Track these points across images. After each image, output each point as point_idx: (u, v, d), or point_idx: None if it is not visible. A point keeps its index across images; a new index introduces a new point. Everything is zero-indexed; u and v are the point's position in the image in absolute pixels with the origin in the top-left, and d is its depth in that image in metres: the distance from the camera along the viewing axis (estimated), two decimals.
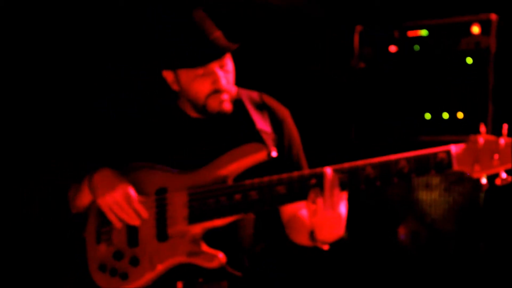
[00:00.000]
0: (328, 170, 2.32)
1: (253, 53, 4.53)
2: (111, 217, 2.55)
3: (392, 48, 4.60)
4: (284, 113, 2.72)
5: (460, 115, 4.41)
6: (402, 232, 4.53)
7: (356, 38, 4.71)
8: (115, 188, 2.53)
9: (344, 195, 2.32)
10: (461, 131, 4.30)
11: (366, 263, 4.56)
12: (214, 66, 2.54)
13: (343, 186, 2.30)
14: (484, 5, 4.39)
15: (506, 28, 4.35)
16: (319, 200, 2.30)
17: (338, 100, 4.81)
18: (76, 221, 2.69)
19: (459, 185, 4.43)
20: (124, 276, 2.54)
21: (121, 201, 2.52)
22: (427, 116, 4.54)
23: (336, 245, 4.55)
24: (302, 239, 2.53)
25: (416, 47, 4.56)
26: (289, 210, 2.65)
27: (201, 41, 2.52)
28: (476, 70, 4.40)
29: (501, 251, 4.24)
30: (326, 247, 2.44)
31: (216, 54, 2.53)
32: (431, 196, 4.52)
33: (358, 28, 4.71)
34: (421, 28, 4.57)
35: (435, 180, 4.50)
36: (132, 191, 2.54)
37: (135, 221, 2.54)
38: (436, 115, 4.51)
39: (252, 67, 4.38)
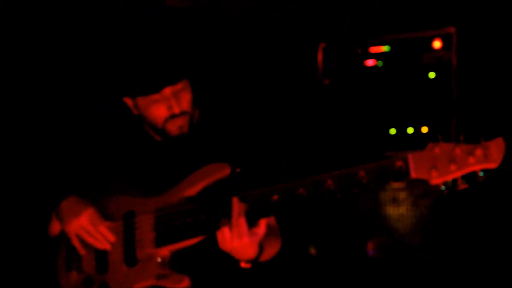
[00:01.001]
0: (235, 200, 2.33)
1: (216, 68, 4.56)
2: (76, 243, 2.53)
3: (370, 62, 4.62)
4: (248, 126, 2.72)
5: (424, 129, 4.46)
6: (371, 246, 4.55)
7: (320, 55, 4.73)
8: (80, 214, 2.52)
9: (262, 221, 2.34)
10: (422, 145, 4.34)
11: (335, 278, 4.56)
12: (168, 92, 2.52)
13: (255, 215, 2.32)
14: (444, 19, 4.45)
15: (466, 41, 4.41)
16: (226, 230, 2.32)
17: (303, 116, 4.82)
18: (51, 249, 2.67)
19: (425, 198, 4.47)
20: None
21: (86, 225, 2.51)
22: (392, 131, 4.57)
23: (305, 260, 4.60)
24: None
25: (379, 63, 4.60)
26: None
27: (154, 67, 2.50)
28: (439, 84, 4.45)
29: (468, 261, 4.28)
30: (249, 265, 2.45)
31: (169, 80, 2.51)
32: (399, 210, 4.54)
33: (322, 45, 4.74)
34: (384, 43, 4.61)
35: (402, 195, 4.53)
36: (97, 215, 2.52)
37: (102, 245, 2.52)
38: (401, 130, 4.55)
39: (215, 82, 4.40)
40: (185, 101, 2.56)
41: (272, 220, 2.63)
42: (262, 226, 2.34)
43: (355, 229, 4.61)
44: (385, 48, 4.60)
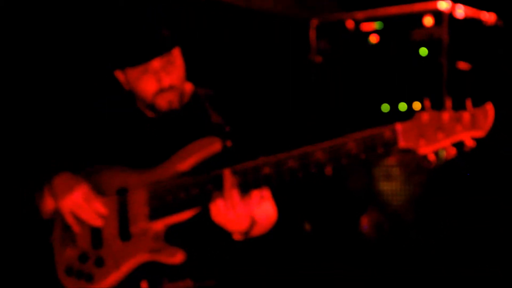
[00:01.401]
0: (227, 172, 2.35)
1: (208, 50, 4.56)
2: (70, 220, 2.55)
3: (373, 39, 4.62)
4: (239, 106, 2.73)
5: (417, 105, 4.47)
6: (364, 223, 4.58)
7: (312, 33, 4.74)
8: (73, 190, 2.53)
9: (257, 193, 2.35)
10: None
11: (329, 254, 4.59)
12: (158, 64, 2.52)
13: (246, 186, 2.34)
14: None
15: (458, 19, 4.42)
16: (219, 202, 2.35)
17: (296, 95, 4.84)
18: (44, 227, 2.68)
19: (418, 175, 4.49)
20: (89, 278, 2.54)
21: (80, 201, 2.52)
22: (384, 108, 4.59)
23: (300, 236, 4.63)
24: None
25: (371, 41, 4.60)
26: None
27: (144, 38, 2.50)
28: (430, 61, 4.46)
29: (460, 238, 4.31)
30: (244, 237, 2.46)
31: (157, 50, 2.50)
32: (392, 186, 4.57)
33: (314, 22, 4.74)
34: (375, 20, 4.61)
35: (395, 171, 4.56)
36: (90, 191, 2.53)
37: (96, 221, 2.54)
38: (393, 107, 4.56)
39: (207, 64, 4.40)
40: (175, 74, 2.55)
41: (266, 194, 2.65)
42: (254, 197, 2.35)
43: (349, 205, 4.64)
44: (377, 25, 4.60)
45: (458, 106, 2.14)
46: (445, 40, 4.40)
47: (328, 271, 4.56)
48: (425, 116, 2.16)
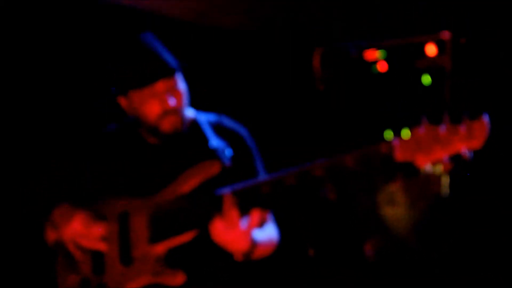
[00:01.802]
0: (227, 193, 2.39)
1: (212, 76, 4.58)
2: (72, 249, 2.57)
3: (378, 67, 4.65)
4: (241, 130, 2.76)
5: None
6: (368, 248, 4.58)
7: (317, 60, 4.77)
8: (72, 219, 2.55)
9: (257, 214, 2.39)
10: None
11: (333, 278, 4.59)
12: (162, 87, 2.55)
13: (245, 206, 2.37)
14: (438, 24, 4.49)
15: (460, 46, 4.45)
16: (218, 222, 2.38)
17: (299, 121, 4.86)
18: (49, 256, 2.71)
19: (422, 200, 4.51)
20: None
21: (80, 229, 2.55)
22: (388, 134, 4.62)
23: (302, 261, 4.62)
24: None
25: (374, 69, 4.65)
26: None
27: (147, 61, 2.54)
28: (433, 88, 4.49)
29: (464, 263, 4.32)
30: (237, 258, 2.49)
31: (162, 73, 2.54)
32: (396, 212, 4.58)
33: (318, 50, 4.78)
34: (379, 49, 4.66)
35: (399, 196, 4.57)
36: (89, 218, 2.56)
37: (98, 245, 2.57)
38: (396, 134, 4.58)
39: (211, 89, 4.43)
40: (178, 97, 2.57)
41: (268, 217, 2.67)
42: (254, 217, 2.38)
43: (352, 230, 4.64)
44: (380, 53, 4.64)
45: (455, 121, 2.16)
46: (448, 67, 4.44)
47: None
48: (421, 130, 2.18)
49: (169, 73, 2.56)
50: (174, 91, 2.58)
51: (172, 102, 2.54)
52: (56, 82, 3.87)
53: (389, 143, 2.23)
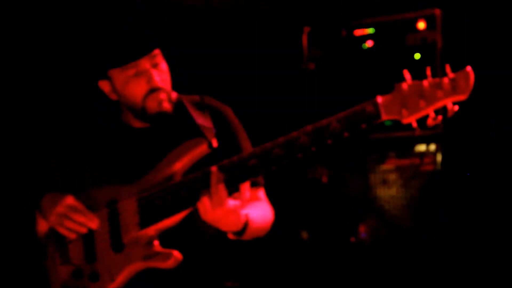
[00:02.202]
0: (213, 169, 2.35)
1: (201, 56, 4.55)
2: (62, 231, 2.53)
3: (369, 43, 4.61)
4: (225, 109, 2.72)
5: None
6: (362, 230, 4.56)
7: (305, 39, 4.73)
8: (58, 203, 2.52)
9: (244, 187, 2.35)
10: (411, 127, 4.36)
11: (326, 262, 4.58)
12: (146, 65, 2.52)
13: (233, 182, 2.33)
14: (429, 1, 4.45)
15: (451, 22, 4.41)
16: (205, 199, 2.33)
17: (290, 103, 4.83)
18: (39, 251, 2.68)
19: (415, 180, 4.48)
20: None
21: (65, 211, 2.51)
22: None
23: (296, 244, 4.60)
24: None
25: (364, 46, 4.60)
26: None
27: (130, 39, 2.50)
28: (424, 65, 4.44)
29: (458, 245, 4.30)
30: (238, 237, 2.46)
31: (145, 49, 2.51)
32: (389, 192, 4.55)
33: (306, 29, 4.73)
34: (368, 26, 4.61)
35: (392, 176, 4.54)
36: (75, 201, 2.52)
37: (84, 228, 2.52)
38: None
39: (199, 69, 4.39)
40: (163, 75, 2.56)
41: (262, 195, 2.64)
42: (243, 192, 2.34)
43: (345, 212, 4.62)
44: (369, 31, 4.59)
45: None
46: (439, 44, 4.39)
47: (326, 279, 4.54)
48: (405, 86, 2.18)
49: (152, 48, 2.52)
50: (158, 68, 2.55)
51: (158, 79, 2.50)
52: (36, 69, 3.84)
53: (373, 101, 2.22)
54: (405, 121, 2.21)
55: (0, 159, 2.99)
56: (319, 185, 4.67)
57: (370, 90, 4.48)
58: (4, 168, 2.77)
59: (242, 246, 2.65)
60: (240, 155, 2.36)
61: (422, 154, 4.42)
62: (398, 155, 4.53)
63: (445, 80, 2.14)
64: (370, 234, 4.55)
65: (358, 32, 4.61)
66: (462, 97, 2.14)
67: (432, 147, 4.42)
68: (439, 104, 2.16)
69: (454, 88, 2.13)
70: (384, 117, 2.21)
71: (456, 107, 2.15)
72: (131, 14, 2.57)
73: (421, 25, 4.43)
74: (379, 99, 2.22)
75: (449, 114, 2.16)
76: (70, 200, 2.52)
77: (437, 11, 4.39)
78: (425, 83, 2.16)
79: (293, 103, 4.72)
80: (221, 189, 2.31)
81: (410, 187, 4.50)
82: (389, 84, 4.42)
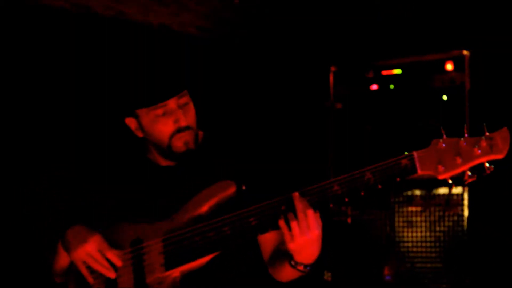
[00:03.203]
0: (296, 194, 2.32)
1: (226, 94, 4.56)
2: (84, 271, 2.51)
3: (374, 87, 4.61)
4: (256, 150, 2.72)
5: None
6: (387, 271, 4.50)
7: (331, 79, 4.73)
8: (87, 241, 2.48)
9: (317, 215, 2.31)
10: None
11: None
12: (174, 105, 2.52)
13: (314, 207, 2.31)
14: (457, 42, 4.45)
15: (479, 64, 4.40)
16: (294, 224, 2.29)
17: (316, 141, 4.82)
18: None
19: (441, 221, 4.43)
20: None
21: (93, 252, 2.47)
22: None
23: (319, 285, 4.55)
24: (285, 270, 2.50)
25: (392, 86, 4.59)
26: (269, 246, 2.63)
27: (159, 79, 2.51)
28: (452, 106, 4.43)
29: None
30: (307, 271, 2.40)
31: (174, 90, 2.51)
32: (414, 234, 4.51)
33: (332, 68, 4.74)
34: (395, 67, 4.61)
35: (417, 218, 4.50)
36: (104, 242, 2.50)
37: (109, 273, 2.49)
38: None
39: (226, 108, 4.39)
40: (190, 115, 2.56)
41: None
42: (320, 220, 2.31)
43: (370, 254, 4.57)
44: (396, 71, 4.59)
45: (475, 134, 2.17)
46: (467, 85, 4.38)
47: None
48: (441, 143, 2.19)
49: (180, 89, 2.53)
50: (186, 108, 2.55)
51: (185, 119, 2.50)
52: (63, 102, 3.85)
53: (409, 155, 2.21)
54: (441, 177, 2.21)
55: (31, 185, 2.99)
56: (343, 226, 4.63)
57: (397, 131, 4.52)
58: (29, 195, 2.75)
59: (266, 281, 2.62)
60: (320, 183, 2.33)
61: (449, 196, 4.38)
62: (425, 197, 4.49)
63: (482, 139, 2.15)
64: (395, 276, 4.49)
65: (386, 73, 4.61)
66: (499, 157, 2.16)
67: (459, 189, 4.38)
68: (475, 163, 2.16)
69: (492, 147, 2.14)
70: (420, 172, 2.21)
71: (492, 167, 2.17)
72: (162, 54, 2.58)
73: (449, 66, 4.42)
74: (415, 153, 2.21)
75: (486, 172, 2.18)
76: (98, 240, 2.48)
77: (465, 52, 4.38)
78: (462, 141, 2.17)
79: (321, 142, 4.72)
80: (310, 213, 2.27)
81: (437, 230, 4.45)
82: (416, 125, 4.43)
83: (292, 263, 2.38)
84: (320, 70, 4.79)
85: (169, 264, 2.46)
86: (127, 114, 2.61)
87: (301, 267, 2.38)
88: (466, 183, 2.20)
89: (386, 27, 4.73)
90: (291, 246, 2.31)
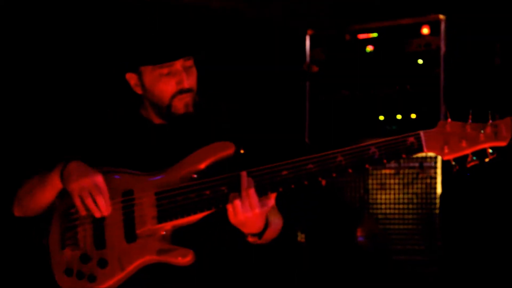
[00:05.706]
0: (244, 173, 2.39)
1: (206, 58, 4.54)
2: (78, 202, 2.50)
3: (370, 47, 4.60)
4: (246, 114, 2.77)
5: (412, 116, 4.47)
6: (360, 234, 4.55)
7: (308, 42, 4.74)
8: (88, 175, 2.50)
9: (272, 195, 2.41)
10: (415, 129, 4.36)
11: (324, 266, 4.57)
12: (180, 66, 2.55)
13: (263, 189, 2.39)
14: (433, 6, 4.47)
15: (455, 28, 4.43)
16: (237, 203, 2.36)
17: (292, 104, 4.83)
18: (36, 227, 2.65)
19: (414, 185, 4.48)
20: (92, 278, 2.52)
21: (91, 188, 2.49)
22: (381, 118, 4.58)
23: (294, 249, 4.60)
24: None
25: (368, 49, 4.60)
26: None
27: (170, 38, 2.55)
28: (427, 70, 4.46)
29: (459, 251, 4.30)
30: (256, 239, 2.51)
31: (183, 52, 2.55)
32: (387, 196, 4.55)
33: (309, 32, 4.74)
34: (371, 31, 4.62)
35: (390, 180, 4.54)
36: (103, 183, 2.50)
37: (98, 213, 2.51)
38: (390, 118, 4.56)
39: (203, 72, 4.38)
40: (193, 78, 2.60)
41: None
42: (271, 198, 2.40)
43: (344, 216, 4.62)
44: (373, 35, 4.60)
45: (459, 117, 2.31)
46: (442, 50, 4.40)
47: (323, 284, 4.53)
48: (448, 126, 2.30)
49: (191, 53, 2.58)
50: (190, 71, 2.60)
51: (188, 82, 2.52)
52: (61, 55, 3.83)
53: (416, 134, 2.31)
54: (445, 158, 2.31)
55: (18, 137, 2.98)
56: (318, 188, 4.66)
57: (373, 95, 4.54)
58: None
59: (246, 247, 2.67)
60: (272, 164, 2.41)
61: (423, 159, 4.43)
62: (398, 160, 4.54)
63: (488, 126, 2.26)
64: (368, 238, 4.54)
65: (362, 36, 4.62)
66: (502, 144, 2.27)
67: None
68: (479, 147, 2.27)
69: (496, 134, 2.25)
70: (426, 150, 2.31)
71: (495, 154, 2.29)
72: (175, 16, 2.60)
73: (425, 30, 4.45)
74: (421, 133, 2.31)
75: (489, 158, 2.29)
76: (100, 179, 2.50)
77: (441, 17, 4.41)
78: (468, 126, 2.28)
79: (296, 106, 4.73)
80: (252, 193, 2.35)
81: (408, 191, 4.50)
82: (391, 87, 4.46)
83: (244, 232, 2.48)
84: (297, 34, 4.79)
85: (162, 218, 2.49)
86: (129, 70, 2.63)
87: (251, 238, 2.49)
88: (468, 166, 2.31)
89: None
90: (233, 221, 2.40)
